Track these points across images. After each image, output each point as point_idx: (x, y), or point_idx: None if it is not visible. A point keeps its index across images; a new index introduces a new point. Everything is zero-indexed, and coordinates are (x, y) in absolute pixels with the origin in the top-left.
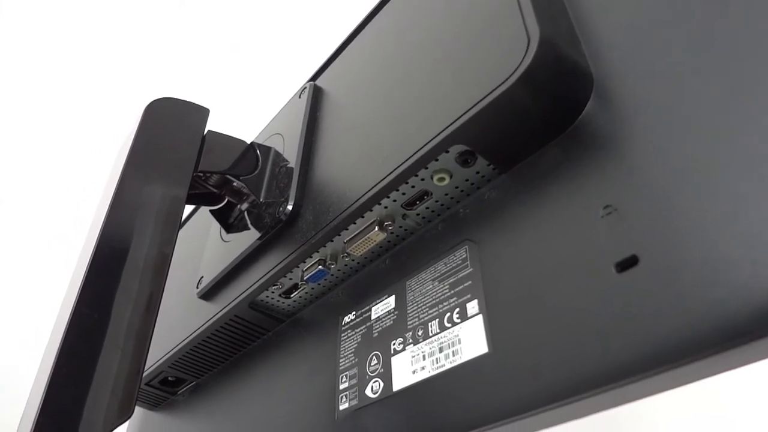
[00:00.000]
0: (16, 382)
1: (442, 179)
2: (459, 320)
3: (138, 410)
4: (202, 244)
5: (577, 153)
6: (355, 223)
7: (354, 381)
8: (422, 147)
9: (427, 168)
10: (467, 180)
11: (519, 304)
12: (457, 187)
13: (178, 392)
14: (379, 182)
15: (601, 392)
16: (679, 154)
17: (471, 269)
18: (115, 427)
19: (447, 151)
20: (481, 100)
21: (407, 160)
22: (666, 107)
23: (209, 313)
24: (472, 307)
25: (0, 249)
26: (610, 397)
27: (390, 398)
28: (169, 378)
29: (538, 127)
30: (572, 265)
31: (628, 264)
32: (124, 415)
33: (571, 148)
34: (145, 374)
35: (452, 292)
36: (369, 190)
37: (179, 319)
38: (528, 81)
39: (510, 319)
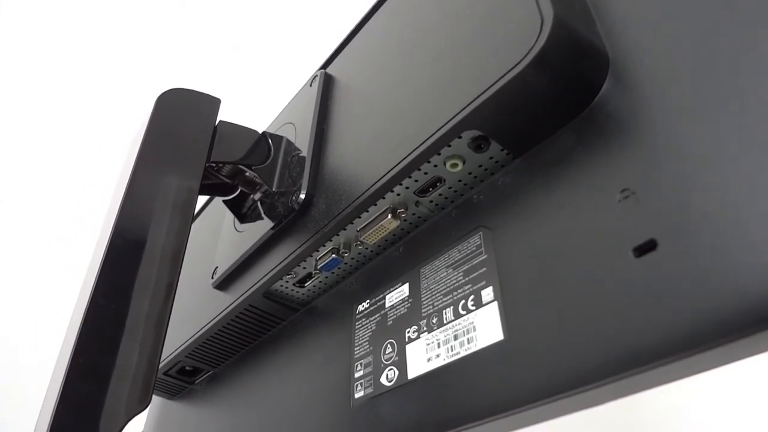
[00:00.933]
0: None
1: (455, 165)
2: (474, 307)
3: (157, 399)
4: (217, 236)
5: (593, 136)
6: (367, 211)
7: (369, 369)
8: (434, 133)
9: (439, 154)
10: (481, 166)
11: (534, 291)
12: (470, 173)
13: (196, 381)
14: (392, 169)
15: (619, 379)
16: (698, 135)
17: (485, 256)
18: (132, 417)
19: (460, 137)
20: (493, 84)
21: (419, 146)
22: (685, 88)
23: (224, 303)
24: (487, 294)
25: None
26: (628, 384)
27: (405, 386)
28: (187, 367)
29: (552, 110)
30: (589, 250)
31: (646, 248)
32: (142, 404)
33: (587, 131)
34: (162, 364)
35: (466, 279)
36: (381, 178)
37: (195, 309)
38: (542, 63)
39: (525, 305)
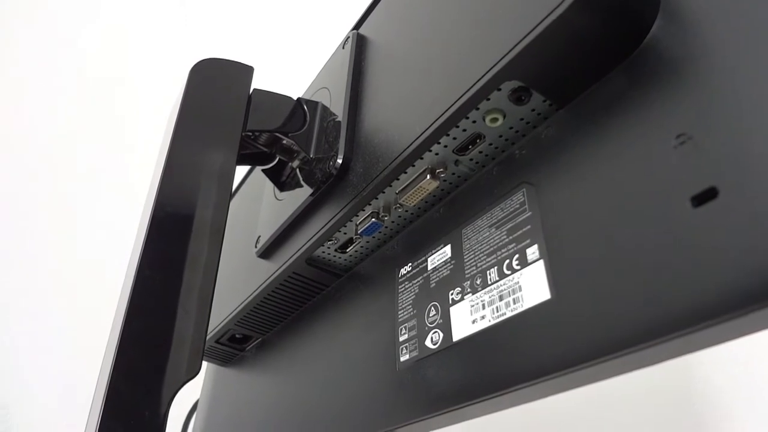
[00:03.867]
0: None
1: (494, 120)
2: (519, 267)
3: (211, 367)
4: (259, 205)
5: (644, 79)
6: (406, 173)
7: (413, 332)
8: (471, 86)
9: (478, 109)
10: (522, 119)
11: (583, 247)
12: (511, 128)
13: (246, 348)
14: (428, 128)
15: (676, 337)
16: (759, 73)
17: (530, 213)
18: (183, 384)
19: (499, 89)
20: (532, 30)
21: (456, 102)
22: (744, 23)
23: (269, 271)
24: (532, 252)
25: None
26: (687, 343)
27: (450, 348)
28: (237, 335)
29: (599, 54)
30: (642, 202)
31: (705, 197)
32: (192, 372)
33: (637, 75)
34: (213, 332)
35: (510, 238)
36: (418, 137)
37: (241, 278)
38: (586, 2)
39: (574, 263)
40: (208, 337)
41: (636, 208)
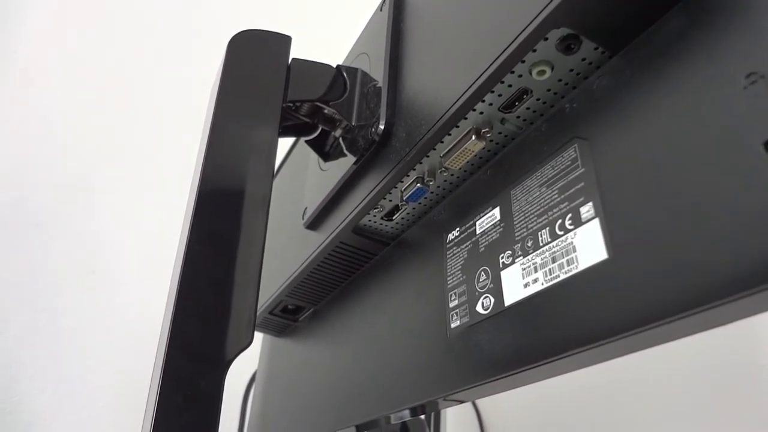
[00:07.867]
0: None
1: (542, 72)
2: (572, 226)
3: (266, 338)
4: (305, 178)
5: (706, 16)
6: (450, 135)
7: (464, 298)
8: (516, 37)
9: (524, 62)
10: (572, 70)
11: (642, 202)
12: (560, 80)
13: (299, 319)
14: (471, 85)
15: (749, 296)
16: None
17: (582, 169)
18: (237, 354)
19: (545, 38)
20: None
21: (500, 55)
22: None
23: (317, 242)
24: (587, 210)
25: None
26: (761, 301)
27: (502, 313)
28: (289, 306)
29: None
30: (708, 150)
31: None
32: (245, 342)
33: (699, 12)
34: (267, 304)
35: (562, 196)
36: (461, 96)
37: (291, 250)
38: None
39: (632, 219)
40: (261, 309)
41: (701, 157)
